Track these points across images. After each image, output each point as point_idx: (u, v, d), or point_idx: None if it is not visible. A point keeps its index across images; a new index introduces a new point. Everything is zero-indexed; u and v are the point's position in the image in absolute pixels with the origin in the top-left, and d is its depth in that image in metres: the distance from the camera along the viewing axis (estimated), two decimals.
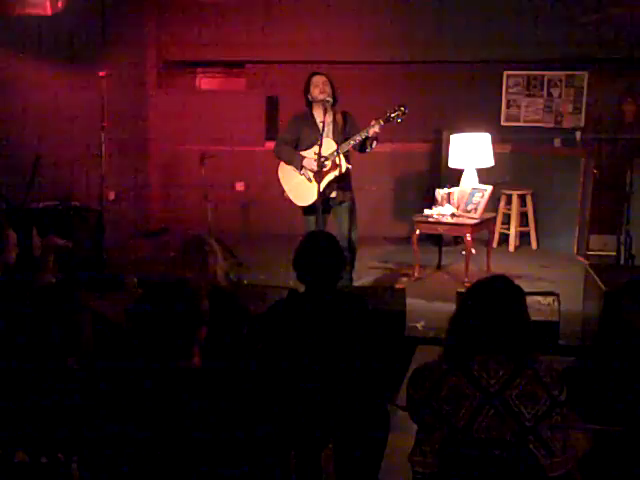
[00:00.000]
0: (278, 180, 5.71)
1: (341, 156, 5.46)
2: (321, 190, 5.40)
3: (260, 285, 5.56)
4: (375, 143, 5.49)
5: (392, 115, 5.43)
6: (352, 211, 5.64)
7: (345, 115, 5.62)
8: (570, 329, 4.99)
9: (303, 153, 5.53)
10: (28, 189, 6.22)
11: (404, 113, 5.43)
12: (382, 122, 5.38)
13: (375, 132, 5.37)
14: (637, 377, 2.72)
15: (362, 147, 5.51)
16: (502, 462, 2.31)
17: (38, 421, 2.32)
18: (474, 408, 2.33)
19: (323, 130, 5.34)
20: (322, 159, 5.37)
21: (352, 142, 5.43)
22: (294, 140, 5.60)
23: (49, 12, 6.50)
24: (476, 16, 7.93)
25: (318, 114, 5.46)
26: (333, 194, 5.57)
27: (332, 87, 5.50)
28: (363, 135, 5.39)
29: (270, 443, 2.49)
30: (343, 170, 5.49)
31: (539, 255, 7.81)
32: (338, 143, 5.46)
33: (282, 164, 5.67)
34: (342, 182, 5.57)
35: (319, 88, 5.44)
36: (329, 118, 5.53)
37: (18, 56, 6.75)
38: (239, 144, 8.65)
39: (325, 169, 5.44)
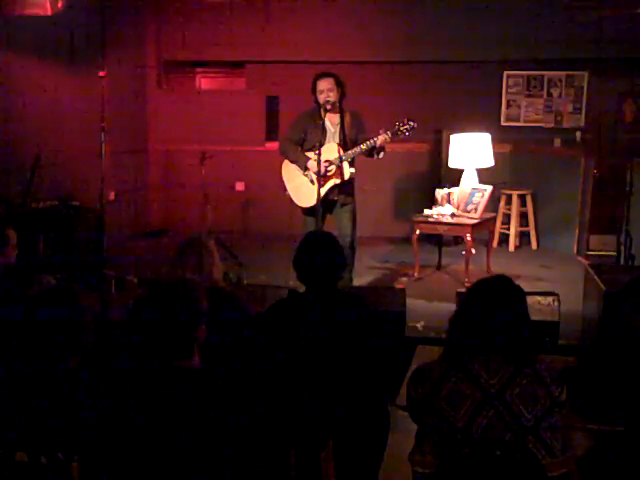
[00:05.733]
0: (280, 177, 5.71)
1: (345, 163, 5.45)
2: (323, 194, 5.40)
3: (260, 285, 5.56)
4: (383, 153, 5.49)
5: (400, 129, 5.45)
6: (353, 213, 5.64)
7: (354, 117, 5.58)
8: (570, 329, 4.99)
9: (308, 154, 5.52)
10: (28, 189, 6.21)
11: (412, 128, 5.46)
12: (390, 134, 5.38)
13: (382, 143, 5.38)
14: (637, 377, 2.72)
15: (369, 154, 5.51)
16: (502, 462, 2.31)
17: (38, 422, 2.32)
18: (474, 408, 2.33)
19: (325, 135, 5.35)
20: (327, 163, 5.38)
21: (357, 151, 5.42)
22: (300, 139, 5.58)
23: (49, 12, 6.48)
24: (476, 16, 7.94)
25: (325, 116, 5.43)
26: (335, 197, 5.57)
27: (340, 87, 5.45)
28: (369, 145, 5.39)
29: (270, 443, 2.49)
30: (346, 177, 5.49)
31: (539, 255, 7.82)
32: (344, 147, 5.46)
33: (286, 162, 5.67)
34: (345, 186, 5.57)
35: (324, 95, 5.39)
36: (337, 119, 5.52)
37: (18, 56, 6.74)
38: (239, 144, 8.64)
39: (329, 173, 5.44)
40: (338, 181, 5.50)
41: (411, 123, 5.46)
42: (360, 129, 5.56)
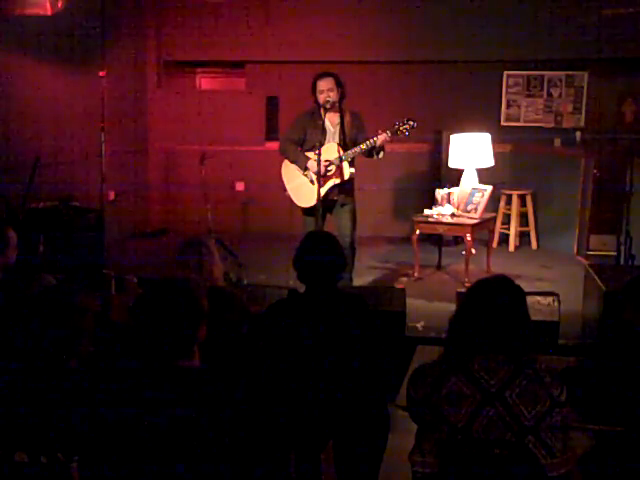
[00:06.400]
0: (280, 177, 5.71)
1: (345, 163, 5.46)
2: (323, 194, 5.40)
3: (260, 285, 5.56)
4: (382, 153, 5.50)
5: (400, 128, 5.46)
6: (353, 213, 5.65)
7: (354, 117, 5.59)
8: (570, 329, 4.99)
9: (308, 154, 5.52)
10: (28, 189, 6.21)
11: (412, 127, 5.47)
12: (389, 134, 5.39)
13: (382, 143, 5.38)
14: (637, 377, 2.72)
15: (369, 154, 5.52)
16: (502, 462, 2.31)
17: (38, 422, 2.32)
18: (474, 408, 2.33)
19: (325, 135, 5.35)
20: (327, 163, 5.39)
21: (357, 150, 5.43)
22: (300, 139, 5.58)
23: (49, 12, 6.48)
24: (476, 16, 7.94)
25: (325, 116, 5.43)
26: (335, 197, 5.57)
27: (340, 87, 5.46)
28: (369, 145, 5.40)
29: (270, 443, 2.49)
30: (346, 177, 5.49)
31: (539, 255, 7.81)
32: (344, 147, 5.46)
33: (286, 162, 5.67)
34: (345, 186, 5.57)
35: (324, 95, 5.40)
36: (337, 119, 5.52)
37: (18, 56, 6.74)
38: (239, 144, 8.66)
39: (329, 173, 5.45)
40: (338, 181, 5.50)
41: (411, 123, 5.47)
42: (360, 129, 5.56)
